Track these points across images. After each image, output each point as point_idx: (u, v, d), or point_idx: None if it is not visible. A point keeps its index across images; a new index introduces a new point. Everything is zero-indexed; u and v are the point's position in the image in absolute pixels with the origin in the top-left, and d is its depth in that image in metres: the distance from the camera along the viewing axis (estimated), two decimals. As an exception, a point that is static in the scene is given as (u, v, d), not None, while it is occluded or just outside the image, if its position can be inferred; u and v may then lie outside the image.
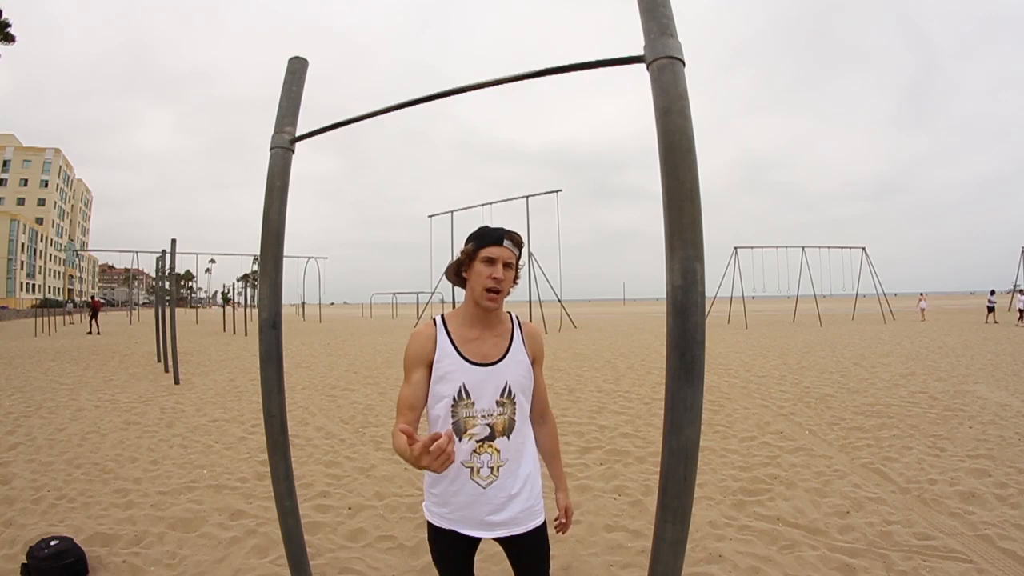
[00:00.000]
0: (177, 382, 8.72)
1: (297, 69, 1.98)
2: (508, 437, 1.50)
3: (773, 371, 9.32)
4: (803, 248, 26.87)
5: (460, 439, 1.48)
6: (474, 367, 1.49)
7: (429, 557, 2.80)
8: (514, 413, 1.51)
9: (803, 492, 3.64)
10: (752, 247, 26.87)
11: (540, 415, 1.67)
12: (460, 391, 1.48)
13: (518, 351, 1.56)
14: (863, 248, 28.00)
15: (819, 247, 27.24)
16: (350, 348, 15.08)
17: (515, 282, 1.56)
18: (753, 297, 46.83)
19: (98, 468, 4.31)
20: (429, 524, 1.58)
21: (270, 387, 1.88)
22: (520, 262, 1.56)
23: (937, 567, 2.62)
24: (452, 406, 1.49)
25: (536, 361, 1.62)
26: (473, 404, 1.48)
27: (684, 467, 1.26)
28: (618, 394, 7.29)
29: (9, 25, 22.35)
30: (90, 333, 21.94)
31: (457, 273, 1.57)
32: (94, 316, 23.60)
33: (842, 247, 28.10)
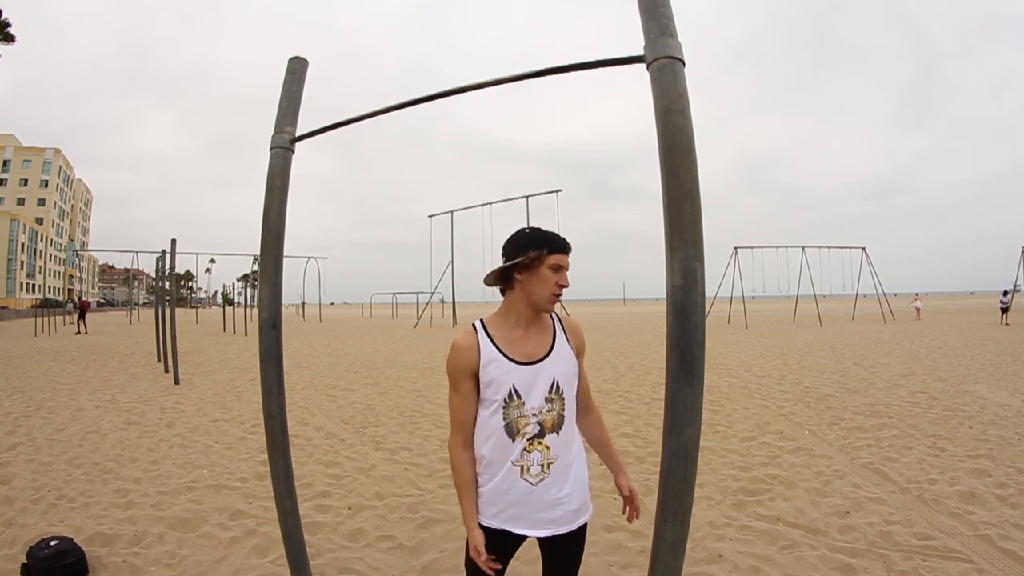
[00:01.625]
0: (177, 382, 8.72)
1: (297, 69, 1.98)
2: (558, 433, 1.50)
3: (773, 371, 9.32)
4: (803, 248, 26.87)
5: (512, 440, 1.49)
6: (521, 367, 1.50)
7: (429, 557, 2.81)
8: (563, 409, 1.52)
9: (803, 492, 3.64)
10: (752, 247, 26.88)
11: (585, 407, 1.67)
12: (511, 392, 1.49)
13: (562, 346, 1.57)
14: (863, 248, 28.01)
15: (819, 247, 27.26)
16: (350, 348, 15.08)
17: None
18: (753, 297, 46.87)
19: (98, 468, 4.31)
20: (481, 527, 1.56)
21: (270, 387, 1.88)
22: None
23: (937, 567, 2.62)
24: (504, 408, 1.49)
25: (579, 354, 1.62)
26: (524, 404, 1.49)
27: (684, 467, 1.26)
28: (618, 394, 7.29)
29: (9, 25, 22.35)
30: (79, 333, 22.00)
31: (505, 275, 1.55)
32: (82, 316, 23.83)
33: (842, 247, 28.12)
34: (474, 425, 1.54)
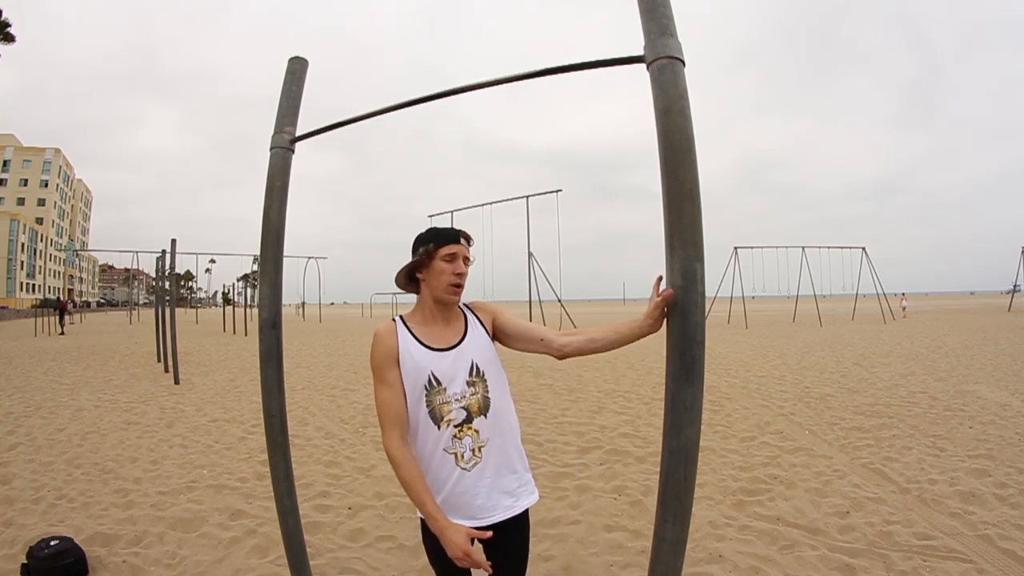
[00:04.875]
0: (177, 382, 8.72)
1: (297, 69, 1.98)
2: (485, 416, 1.51)
3: (773, 371, 9.32)
4: (803, 248, 26.86)
5: (438, 427, 1.48)
6: (438, 353, 1.52)
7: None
8: (487, 390, 1.53)
9: (803, 492, 3.64)
10: (752, 247, 26.88)
11: (566, 341, 1.51)
12: (430, 379, 1.49)
13: (476, 330, 1.59)
14: (863, 248, 28.00)
15: (819, 247, 27.25)
16: (350, 348, 15.08)
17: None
18: (753, 297, 46.85)
19: (98, 468, 4.31)
20: (422, 520, 1.57)
21: (270, 387, 1.88)
22: (472, 259, 1.61)
23: (937, 567, 2.62)
24: (425, 395, 1.50)
25: (496, 317, 1.64)
26: (445, 390, 1.50)
27: (684, 467, 1.26)
28: (618, 394, 7.29)
29: (9, 25, 22.37)
30: (62, 334, 21.91)
31: (411, 276, 1.59)
32: (61, 316, 23.90)
33: (842, 247, 28.11)
34: (407, 418, 1.50)
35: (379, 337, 1.54)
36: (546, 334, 1.57)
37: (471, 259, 1.60)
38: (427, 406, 1.49)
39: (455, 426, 1.48)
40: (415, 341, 1.53)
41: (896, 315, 28.99)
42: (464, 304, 1.66)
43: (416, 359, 1.50)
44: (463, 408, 1.49)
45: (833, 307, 43.78)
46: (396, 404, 1.49)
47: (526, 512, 1.58)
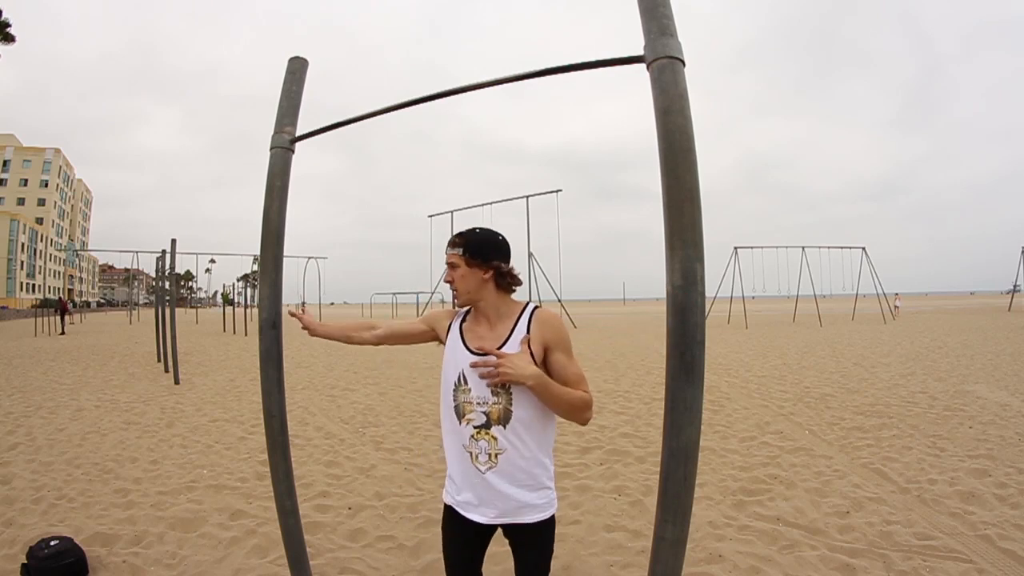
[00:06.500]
0: (177, 382, 8.72)
1: (297, 69, 1.98)
2: (504, 427, 1.51)
3: (773, 371, 9.31)
4: (803, 248, 26.85)
5: (460, 422, 1.55)
6: (471, 355, 1.55)
7: (429, 557, 2.81)
8: (510, 403, 1.50)
9: (803, 492, 3.64)
10: (752, 247, 26.87)
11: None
12: (460, 376, 1.56)
13: (515, 343, 1.53)
14: (863, 248, 27.99)
15: (819, 247, 27.24)
16: (350, 348, 15.07)
17: (474, 268, 1.58)
18: (753, 297, 46.85)
19: (98, 468, 4.31)
20: (444, 506, 1.66)
21: (270, 387, 1.88)
22: (469, 253, 1.56)
23: (937, 567, 2.62)
24: (453, 390, 1.57)
25: (551, 348, 1.54)
26: (470, 390, 1.53)
27: (684, 467, 1.26)
28: (618, 394, 7.29)
29: (9, 25, 22.37)
30: (62, 334, 21.87)
31: None
32: (62, 316, 23.96)
33: (842, 247, 28.09)
34: (388, 333, 1.84)
35: (439, 311, 1.73)
36: (584, 396, 1.52)
37: (462, 262, 1.56)
38: (453, 400, 1.57)
39: (474, 427, 1.53)
40: (459, 336, 1.61)
41: (899, 315, 28.99)
42: (534, 307, 1.61)
43: (456, 354, 1.59)
44: (484, 413, 1.52)
45: (833, 307, 43.77)
46: (395, 326, 1.77)
47: (546, 522, 1.58)
